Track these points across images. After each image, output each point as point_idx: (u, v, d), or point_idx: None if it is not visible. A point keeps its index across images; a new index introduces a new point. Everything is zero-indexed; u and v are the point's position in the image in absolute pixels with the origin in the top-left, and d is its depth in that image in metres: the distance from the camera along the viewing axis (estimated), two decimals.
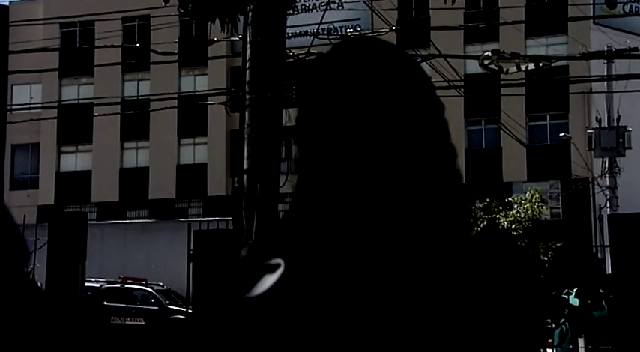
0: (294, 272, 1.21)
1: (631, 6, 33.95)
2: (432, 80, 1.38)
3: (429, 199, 1.23)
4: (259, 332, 1.20)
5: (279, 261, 1.24)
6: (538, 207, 26.94)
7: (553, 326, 7.78)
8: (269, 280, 1.23)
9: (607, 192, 26.06)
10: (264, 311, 1.20)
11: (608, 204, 25.84)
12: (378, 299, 1.18)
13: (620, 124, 25.62)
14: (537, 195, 27.09)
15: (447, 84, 15.44)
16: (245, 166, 8.31)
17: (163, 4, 9.94)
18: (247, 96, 8.45)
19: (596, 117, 26.84)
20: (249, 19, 8.65)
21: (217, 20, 9.50)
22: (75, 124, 37.14)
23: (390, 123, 1.22)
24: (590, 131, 26.71)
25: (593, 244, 28.74)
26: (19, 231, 1.26)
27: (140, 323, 23.61)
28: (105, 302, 23.21)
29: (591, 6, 30.42)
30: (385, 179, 1.21)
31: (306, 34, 18.03)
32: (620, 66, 23.71)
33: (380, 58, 1.27)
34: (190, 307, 17.03)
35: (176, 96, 32.87)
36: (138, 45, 32.95)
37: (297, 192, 1.28)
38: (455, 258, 1.22)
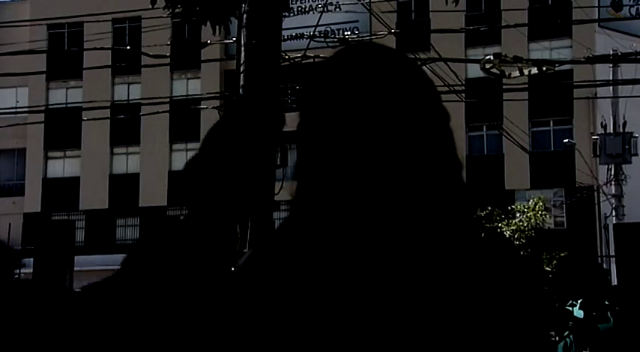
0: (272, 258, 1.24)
1: (637, 8, 34.17)
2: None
3: (432, 210, 1.24)
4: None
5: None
6: (541, 215, 27.35)
7: (557, 339, 7.74)
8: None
9: (613, 201, 26.07)
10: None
11: (613, 213, 25.86)
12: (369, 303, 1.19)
13: (626, 130, 25.76)
14: (541, 204, 27.48)
15: (448, 88, 15.41)
16: None
17: (151, 6, 9.83)
18: None
19: (602, 123, 27.03)
20: (244, 21, 8.59)
21: (208, 23, 9.44)
22: (63, 129, 37.20)
23: (393, 131, 1.24)
24: (596, 137, 26.91)
25: (599, 254, 29.19)
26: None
27: None
28: None
29: (596, 8, 30.58)
30: (387, 188, 1.22)
31: (302, 36, 17.76)
32: (626, 70, 23.66)
33: (383, 64, 1.29)
34: None
35: (168, 100, 33.05)
36: (128, 47, 33.00)
37: (297, 199, 1.28)
38: (456, 268, 1.22)
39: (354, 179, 1.22)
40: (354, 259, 1.21)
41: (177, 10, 9.61)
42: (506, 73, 15.65)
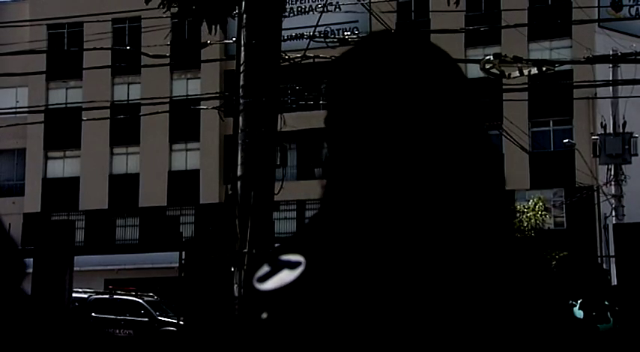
0: (316, 273, 1.18)
1: (637, 8, 34.11)
2: None
3: (465, 205, 1.19)
4: (270, 327, 1.18)
5: (301, 258, 1.19)
6: (541, 215, 27.31)
7: None
8: (287, 276, 1.19)
9: (612, 201, 26.12)
10: (277, 307, 1.19)
11: (613, 213, 25.90)
12: (401, 308, 1.15)
13: (626, 130, 25.79)
14: (541, 204, 27.43)
15: None
16: (239, 173, 8.32)
17: (145, 4, 9.75)
18: (241, 101, 8.45)
19: (602, 123, 27.03)
20: (244, 21, 8.62)
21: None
22: (62, 129, 37.06)
23: (428, 122, 1.18)
24: (595, 137, 26.94)
25: (598, 254, 29.05)
26: (15, 243, 1.25)
27: (129, 335, 23.65)
28: (93, 314, 23.17)
29: (596, 9, 30.47)
30: (421, 182, 1.18)
31: (302, 36, 17.70)
32: (626, 70, 23.65)
33: (415, 51, 1.23)
34: (182, 318, 17.03)
35: (168, 100, 32.91)
36: (128, 47, 32.95)
37: (327, 194, 1.24)
38: (489, 268, 1.18)
39: (385, 174, 1.17)
40: (382, 259, 1.16)
41: (173, 10, 9.62)
42: (506, 73, 15.66)
